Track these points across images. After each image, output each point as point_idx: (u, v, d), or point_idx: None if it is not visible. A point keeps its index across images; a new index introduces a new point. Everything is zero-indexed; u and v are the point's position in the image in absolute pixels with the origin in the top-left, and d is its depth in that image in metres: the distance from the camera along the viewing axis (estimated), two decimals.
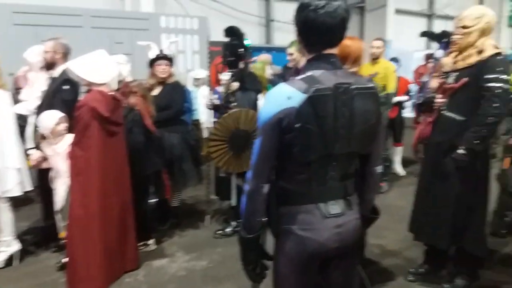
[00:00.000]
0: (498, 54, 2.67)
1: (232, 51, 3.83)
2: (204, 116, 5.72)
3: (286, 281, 1.64)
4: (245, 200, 1.59)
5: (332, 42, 1.53)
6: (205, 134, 5.63)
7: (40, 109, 3.53)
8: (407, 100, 5.99)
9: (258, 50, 7.73)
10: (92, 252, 3.00)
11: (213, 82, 6.35)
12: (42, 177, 3.61)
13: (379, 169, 1.74)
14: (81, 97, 3.44)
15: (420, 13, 13.69)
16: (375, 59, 5.19)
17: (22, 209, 4.53)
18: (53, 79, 3.71)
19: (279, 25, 10.16)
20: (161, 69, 3.94)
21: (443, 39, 4.59)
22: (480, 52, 2.69)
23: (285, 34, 8.88)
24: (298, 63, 4.02)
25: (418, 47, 10.93)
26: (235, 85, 3.79)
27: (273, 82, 4.66)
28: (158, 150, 3.71)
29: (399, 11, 12.15)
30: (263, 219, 1.62)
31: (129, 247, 3.33)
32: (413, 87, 6.52)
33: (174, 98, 3.98)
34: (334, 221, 1.56)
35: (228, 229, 4.06)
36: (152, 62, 3.94)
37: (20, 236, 3.72)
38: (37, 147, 3.46)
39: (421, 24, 13.54)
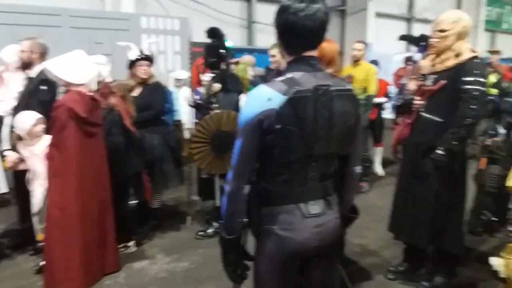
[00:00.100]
0: (475, 57, 2.75)
1: (214, 52, 3.83)
2: (186, 117, 5.69)
3: (267, 281, 1.65)
4: (226, 201, 1.59)
5: (312, 44, 1.55)
6: (186, 135, 5.61)
7: (16, 110, 3.46)
8: (386, 102, 6.09)
9: (240, 51, 7.74)
10: (71, 254, 2.96)
11: (195, 83, 6.33)
12: (18, 179, 3.54)
13: (358, 169, 1.76)
14: (59, 97, 3.39)
15: (399, 16, 13.91)
16: (356, 61, 5.26)
17: None
18: (30, 79, 3.65)
19: (261, 27, 10.19)
20: (143, 70, 3.91)
21: (421, 42, 4.67)
22: (457, 55, 2.75)
23: (267, 36, 8.92)
24: (280, 65, 4.04)
25: (398, 50, 11.09)
26: (217, 86, 3.79)
27: (255, 83, 4.68)
28: (138, 151, 3.68)
29: (379, 15, 12.32)
30: (244, 220, 1.63)
31: (109, 249, 3.29)
32: (393, 89, 6.62)
33: (155, 99, 3.95)
34: (314, 221, 1.58)
35: (210, 230, 4.04)
36: (133, 63, 3.91)
37: None
38: (14, 148, 3.39)
39: (401, 28, 13.76)
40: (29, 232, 3.49)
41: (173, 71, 6.67)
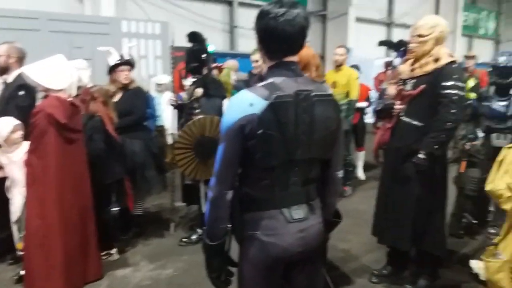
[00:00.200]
0: (453, 62, 2.80)
1: (195, 57, 3.81)
2: (168, 122, 5.64)
3: (251, 287, 1.64)
4: (208, 207, 1.58)
5: (292, 49, 1.55)
6: (169, 140, 5.56)
7: None
8: (367, 106, 6.15)
9: (222, 56, 7.73)
10: (51, 263, 2.90)
11: (177, 87, 6.29)
12: None
13: (340, 174, 1.77)
14: (38, 103, 3.33)
15: (379, 21, 14.11)
16: (338, 66, 5.30)
17: None
18: (7, 85, 3.58)
19: (243, 32, 10.20)
20: (124, 75, 3.85)
21: (400, 47, 4.74)
22: (436, 60, 2.80)
23: (249, 41, 8.92)
24: (263, 70, 4.04)
25: (378, 55, 11.24)
26: (199, 91, 3.76)
27: (238, 88, 4.67)
28: (120, 158, 3.63)
29: (359, 20, 12.48)
30: (227, 226, 1.62)
31: (91, 256, 3.23)
32: (373, 94, 6.70)
33: (136, 104, 3.91)
34: (297, 226, 1.58)
35: (194, 237, 4.01)
36: (113, 68, 3.85)
37: None
38: None
39: (381, 32, 13.97)
40: (8, 241, 3.40)
41: (155, 76, 6.62)
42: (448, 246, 3.24)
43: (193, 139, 3.59)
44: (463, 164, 3.93)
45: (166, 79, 6.13)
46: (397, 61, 4.76)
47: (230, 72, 5.12)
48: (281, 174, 1.55)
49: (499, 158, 1.90)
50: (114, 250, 3.69)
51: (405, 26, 13.73)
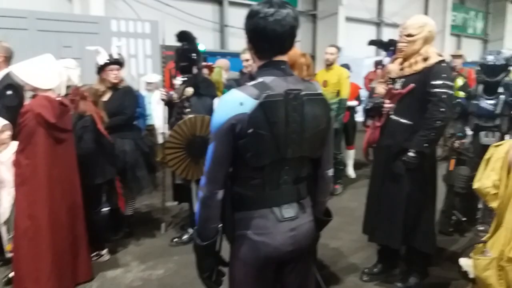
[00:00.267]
0: (442, 61, 2.83)
1: (184, 56, 3.79)
2: (159, 121, 5.61)
3: (242, 286, 1.64)
4: (199, 207, 1.58)
5: (282, 49, 1.56)
6: (160, 139, 5.53)
7: None
8: (357, 105, 6.19)
9: (213, 55, 7.71)
10: (41, 264, 2.87)
11: (167, 86, 6.24)
12: None
13: (330, 172, 1.78)
14: (26, 102, 3.29)
15: (369, 21, 14.19)
16: (329, 65, 5.32)
17: None
18: None
19: (234, 31, 10.19)
20: (113, 74, 3.82)
21: (390, 47, 4.77)
22: (425, 59, 2.83)
23: (240, 40, 8.91)
24: (253, 69, 4.03)
25: (368, 54, 11.30)
26: (190, 90, 3.74)
27: (229, 87, 4.66)
28: (110, 158, 3.60)
29: (349, 19, 12.53)
30: (218, 226, 1.61)
31: (81, 258, 3.21)
32: (364, 93, 6.74)
33: (126, 104, 3.87)
34: (288, 225, 1.58)
35: (185, 237, 4.00)
36: (102, 68, 3.82)
37: None
38: None
39: (371, 32, 14.04)
40: None
41: (145, 75, 6.58)
42: (438, 243, 3.27)
43: (184, 139, 3.57)
44: (452, 162, 3.97)
45: (156, 78, 6.11)
46: (387, 60, 4.79)
47: (222, 71, 5.11)
48: (272, 173, 1.56)
49: (486, 156, 1.92)
50: (104, 251, 3.66)
51: (395, 25, 13.78)
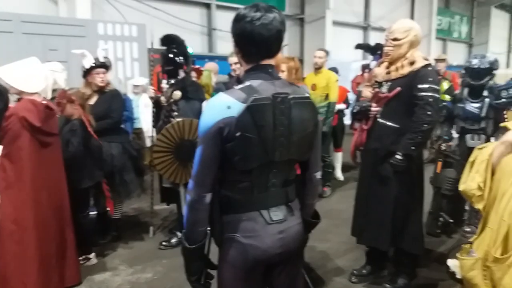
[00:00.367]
0: (428, 65, 2.87)
1: (169, 59, 3.76)
2: (146, 125, 5.59)
3: None
4: (187, 211, 1.57)
5: (269, 53, 1.56)
6: (147, 143, 5.51)
7: None
8: (346, 108, 6.23)
9: (201, 58, 7.71)
10: (27, 269, 2.83)
11: (155, 90, 6.23)
12: None
13: (318, 175, 1.79)
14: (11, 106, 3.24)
15: (356, 25, 14.31)
16: (317, 69, 5.35)
17: None
18: None
19: (221, 34, 10.19)
20: (100, 77, 3.79)
21: (377, 51, 4.82)
22: (412, 63, 2.86)
23: (228, 43, 8.90)
24: (241, 72, 4.03)
25: (355, 58, 11.40)
26: (178, 94, 3.73)
27: (218, 90, 4.65)
28: (97, 162, 3.57)
29: (336, 23, 12.63)
30: (206, 229, 1.61)
31: (69, 261, 3.17)
32: (351, 96, 6.79)
33: (113, 107, 3.84)
34: (276, 227, 1.58)
35: (174, 240, 3.97)
36: (89, 71, 3.78)
37: None
38: None
39: (358, 36, 14.16)
40: None
41: (132, 78, 6.55)
42: (426, 245, 3.30)
43: (172, 143, 3.56)
44: (439, 164, 4.01)
45: (143, 81, 6.09)
46: (374, 64, 4.84)
47: (211, 74, 5.11)
48: (260, 176, 1.56)
49: (471, 159, 1.94)
50: (92, 255, 3.63)
51: (381, 29, 13.93)
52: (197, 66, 5.09)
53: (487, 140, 3.75)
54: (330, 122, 5.34)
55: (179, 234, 3.95)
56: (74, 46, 4.57)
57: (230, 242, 1.58)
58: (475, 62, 3.78)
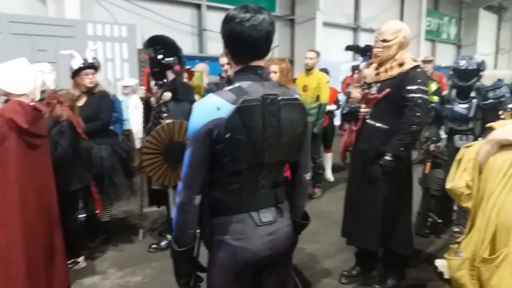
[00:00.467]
0: (417, 66, 2.89)
1: (155, 61, 3.72)
2: (136, 126, 5.55)
3: None
4: (176, 213, 1.57)
5: (258, 54, 1.56)
6: (137, 144, 5.47)
7: None
8: (336, 109, 6.25)
9: (192, 59, 7.67)
10: (14, 273, 2.78)
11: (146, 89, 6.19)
12: None
13: (308, 176, 1.79)
14: None
15: (346, 26, 14.37)
16: (308, 70, 5.37)
17: None
18: None
19: (212, 35, 10.16)
20: (89, 78, 3.76)
21: (367, 52, 4.84)
22: (401, 64, 2.88)
23: (218, 44, 8.86)
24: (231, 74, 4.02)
25: (345, 59, 11.44)
26: (168, 95, 3.70)
27: (209, 91, 4.64)
28: (86, 164, 3.54)
29: (327, 24, 12.66)
30: (195, 231, 1.60)
31: (58, 265, 3.13)
32: (342, 97, 6.82)
33: (102, 108, 3.81)
34: (266, 229, 1.58)
35: (163, 243, 3.95)
36: (77, 72, 3.75)
37: None
38: None
39: (348, 37, 14.22)
40: None
41: (122, 79, 6.50)
42: (415, 245, 3.32)
43: (162, 145, 3.54)
44: (428, 165, 4.04)
45: (133, 81, 6.04)
46: (363, 65, 4.86)
47: (203, 75, 5.09)
48: (250, 178, 1.56)
49: (457, 157, 1.95)
50: (81, 258, 3.60)
51: (371, 31, 13.98)
52: (188, 67, 5.08)
53: (475, 140, 3.79)
54: (321, 123, 5.35)
55: (168, 236, 3.92)
56: (63, 47, 4.52)
57: (219, 244, 1.58)
58: (462, 63, 3.82)
